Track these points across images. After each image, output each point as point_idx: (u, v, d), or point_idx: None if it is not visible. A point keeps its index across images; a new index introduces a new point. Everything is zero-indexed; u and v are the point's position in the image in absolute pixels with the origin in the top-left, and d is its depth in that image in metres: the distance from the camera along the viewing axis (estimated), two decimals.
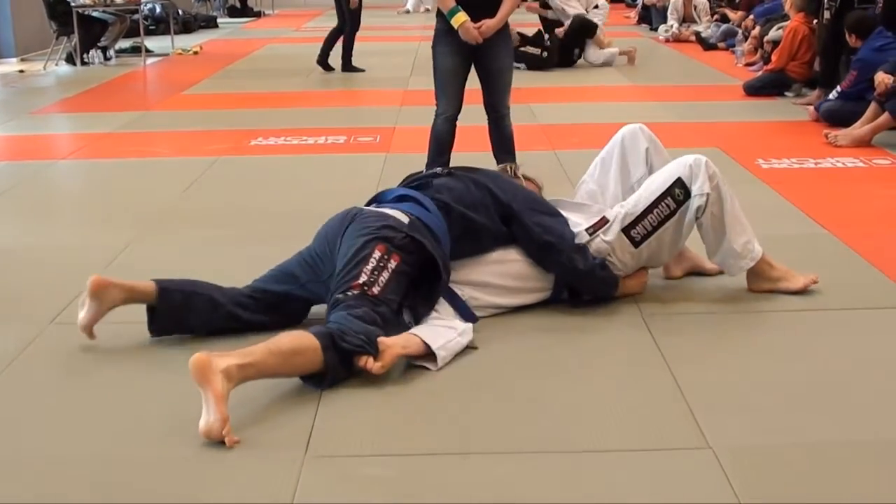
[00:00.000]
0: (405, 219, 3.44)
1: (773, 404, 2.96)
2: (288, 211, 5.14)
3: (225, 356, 2.81)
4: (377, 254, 3.27)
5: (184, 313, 3.43)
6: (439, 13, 5.24)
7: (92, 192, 5.97)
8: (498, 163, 5.31)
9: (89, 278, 3.35)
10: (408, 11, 19.63)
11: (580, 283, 3.73)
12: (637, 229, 3.70)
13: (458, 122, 5.33)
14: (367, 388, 3.09)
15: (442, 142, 5.30)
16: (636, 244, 3.70)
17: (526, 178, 4.11)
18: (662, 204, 3.68)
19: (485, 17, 5.10)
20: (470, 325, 3.43)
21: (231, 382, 2.78)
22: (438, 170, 3.91)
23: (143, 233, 4.82)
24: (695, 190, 3.66)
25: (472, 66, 5.31)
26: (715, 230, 3.74)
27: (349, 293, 3.20)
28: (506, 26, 5.28)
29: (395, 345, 3.13)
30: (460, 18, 5.06)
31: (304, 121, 7.82)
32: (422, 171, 3.92)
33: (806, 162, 6.08)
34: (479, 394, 3.08)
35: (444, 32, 5.21)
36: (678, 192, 3.68)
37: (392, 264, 3.28)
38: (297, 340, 2.98)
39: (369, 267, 3.24)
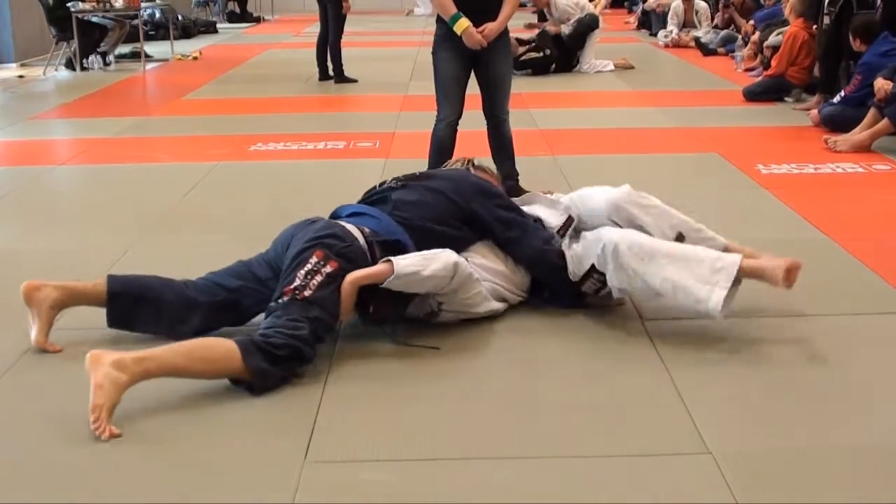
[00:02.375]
0: (357, 233, 3.45)
1: (773, 409, 2.96)
2: (287, 216, 5.09)
3: (123, 353, 2.92)
4: (313, 259, 3.29)
5: (131, 319, 3.51)
6: (439, 19, 5.24)
7: (91, 197, 5.97)
8: (497, 167, 5.32)
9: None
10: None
11: (544, 273, 3.75)
12: (586, 285, 3.67)
13: (461, 129, 5.34)
14: (367, 394, 3.10)
15: (443, 147, 5.30)
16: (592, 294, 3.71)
17: (481, 169, 4.14)
18: (589, 282, 3.63)
19: (486, 21, 5.11)
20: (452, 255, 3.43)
21: (124, 373, 2.85)
22: (392, 182, 3.86)
23: (142, 237, 4.82)
24: (609, 280, 3.54)
25: (472, 72, 5.32)
26: (660, 295, 3.51)
27: (280, 301, 3.23)
28: (505, 32, 5.29)
29: (352, 276, 3.28)
30: (463, 24, 5.06)
31: (303, 126, 7.82)
32: (375, 187, 3.90)
33: (806, 167, 6.08)
34: (478, 399, 3.07)
35: (445, 38, 5.22)
36: (596, 276, 3.59)
37: (327, 269, 3.28)
38: (209, 340, 3.07)
39: (303, 271, 3.26)
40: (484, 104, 5.35)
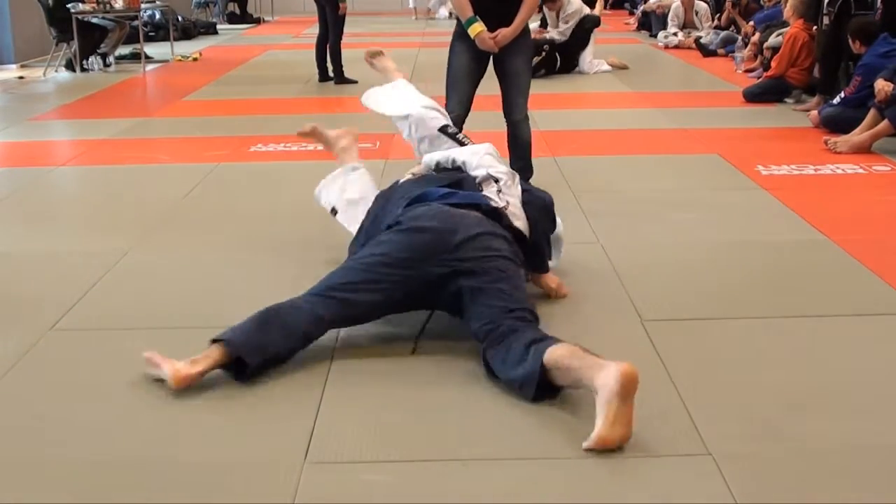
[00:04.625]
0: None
1: (773, 410, 2.96)
2: (288, 217, 5.14)
3: None
4: (521, 272, 3.43)
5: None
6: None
7: (92, 199, 5.97)
8: (511, 166, 5.34)
9: (171, 381, 3.04)
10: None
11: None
12: None
13: (470, 128, 5.35)
14: (367, 394, 3.09)
15: None
16: None
17: None
18: None
19: (501, 25, 5.18)
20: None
21: None
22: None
23: (143, 239, 4.82)
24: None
25: (490, 68, 5.39)
26: None
27: (530, 316, 3.22)
28: (526, 31, 5.33)
29: None
30: (476, 28, 5.16)
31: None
32: (398, 181, 3.92)
33: (806, 168, 6.08)
34: (479, 400, 3.07)
35: (462, 35, 5.30)
36: None
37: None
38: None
39: (511, 284, 3.28)
40: (503, 103, 5.40)
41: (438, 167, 3.97)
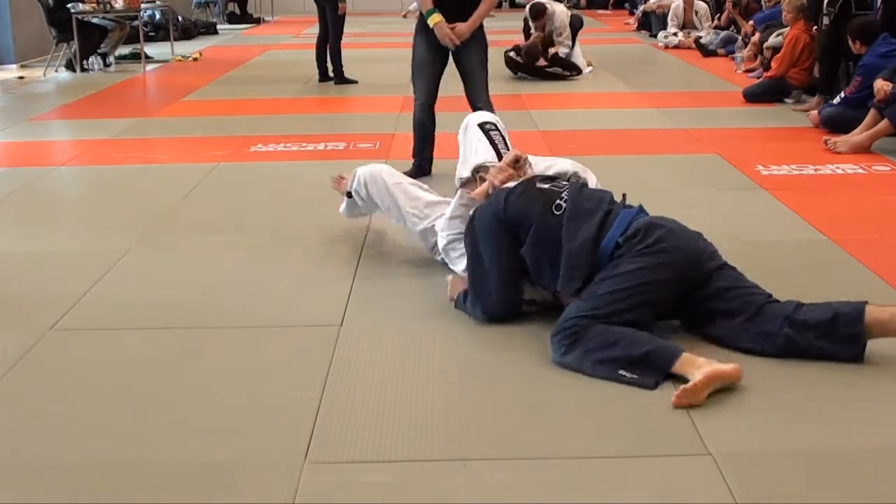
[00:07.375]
0: None
1: (773, 410, 2.96)
2: (288, 217, 5.14)
3: None
4: None
5: None
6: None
7: (91, 199, 5.97)
8: None
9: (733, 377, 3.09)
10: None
11: None
12: None
13: (434, 110, 5.86)
14: (366, 394, 3.10)
15: (424, 128, 5.84)
16: None
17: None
18: None
19: (459, 20, 5.66)
20: None
21: None
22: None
23: (142, 239, 4.82)
24: None
25: (451, 63, 5.87)
26: None
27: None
28: (481, 28, 5.79)
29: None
30: (435, 19, 5.67)
31: (303, 127, 7.82)
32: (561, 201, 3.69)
33: (805, 168, 6.08)
34: (479, 400, 3.07)
35: (423, 27, 5.80)
36: None
37: None
38: None
39: None
40: (466, 95, 5.88)
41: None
